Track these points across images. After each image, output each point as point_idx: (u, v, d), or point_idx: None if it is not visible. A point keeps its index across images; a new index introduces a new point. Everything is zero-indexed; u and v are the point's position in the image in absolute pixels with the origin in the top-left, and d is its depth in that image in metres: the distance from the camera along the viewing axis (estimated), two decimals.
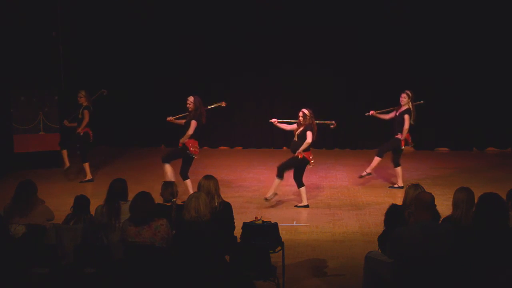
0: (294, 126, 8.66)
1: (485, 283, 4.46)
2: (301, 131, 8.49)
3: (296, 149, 8.48)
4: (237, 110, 13.22)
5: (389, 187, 9.69)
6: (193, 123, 8.63)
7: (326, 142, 12.78)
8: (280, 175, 8.53)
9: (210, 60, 12.83)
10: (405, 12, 12.26)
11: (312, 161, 8.54)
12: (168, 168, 8.73)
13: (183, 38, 12.89)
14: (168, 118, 9.04)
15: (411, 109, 9.33)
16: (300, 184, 8.64)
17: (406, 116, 9.29)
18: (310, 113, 8.49)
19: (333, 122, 8.89)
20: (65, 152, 10.11)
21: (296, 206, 8.71)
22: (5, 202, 6.18)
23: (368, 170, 9.59)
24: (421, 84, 11.73)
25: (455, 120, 12.70)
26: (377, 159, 9.52)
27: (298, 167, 8.59)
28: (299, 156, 8.44)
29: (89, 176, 10.20)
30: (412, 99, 9.36)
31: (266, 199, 8.64)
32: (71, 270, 5.05)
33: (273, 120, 8.91)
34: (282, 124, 8.89)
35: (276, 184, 8.58)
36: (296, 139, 8.54)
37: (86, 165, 10.19)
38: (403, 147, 9.45)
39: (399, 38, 12.44)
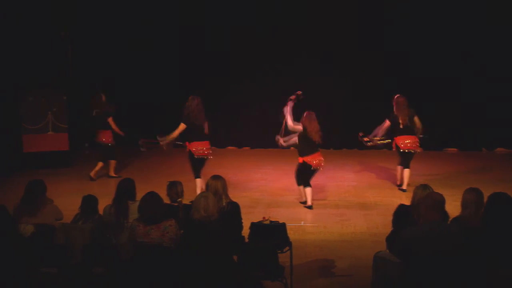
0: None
1: (492, 283, 4.44)
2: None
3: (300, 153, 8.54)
4: (245, 110, 13.21)
5: (397, 186, 9.66)
6: (180, 126, 8.67)
7: (333, 142, 12.75)
8: (297, 183, 8.69)
9: (217, 60, 12.82)
10: (413, 11, 12.21)
11: (314, 164, 8.49)
12: (199, 182, 8.74)
13: (190, 38, 12.89)
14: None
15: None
16: (306, 184, 8.66)
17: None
18: (304, 115, 8.47)
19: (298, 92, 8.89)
20: (113, 162, 10.42)
21: (300, 202, 8.74)
22: (14, 201, 6.21)
23: (404, 187, 9.52)
24: (429, 84, 11.69)
25: (464, 120, 12.63)
26: (405, 172, 9.51)
27: (303, 172, 8.60)
28: (299, 161, 8.51)
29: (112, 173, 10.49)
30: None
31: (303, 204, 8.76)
32: (79, 269, 5.07)
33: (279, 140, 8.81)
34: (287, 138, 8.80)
35: (301, 191, 8.71)
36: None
37: (113, 162, 10.49)
38: (394, 149, 9.49)
39: (408, 38, 12.38)
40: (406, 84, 9.91)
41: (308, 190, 8.63)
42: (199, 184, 8.66)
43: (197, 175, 8.80)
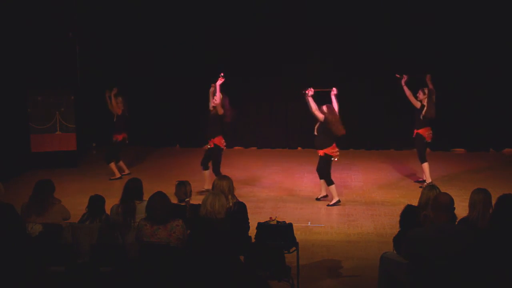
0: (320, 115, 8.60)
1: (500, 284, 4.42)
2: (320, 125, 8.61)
3: (317, 145, 8.60)
4: (252, 110, 13.22)
5: (417, 182, 9.76)
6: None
7: (340, 142, 12.63)
8: (325, 178, 8.77)
9: (224, 60, 12.83)
10: (427, 11, 12.17)
11: (335, 154, 8.66)
12: (206, 173, 9.24)
13: (198, 38, 12.91)
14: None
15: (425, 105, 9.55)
16: (330, 181, 8.80)
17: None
18: (325, 108, 8.62)
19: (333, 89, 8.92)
20: (112, 165, 10.44)
21: (317, 198, 8.89)
22: (22, 201, 6.25)
23: (427, 180, 9.61)
24: (437, 84, 11.62)
25: (472, 120, 12.58)
26: (424, 166, 9.68)
27: (329, 165, 8.74)
28: (320, 154, 8.59)
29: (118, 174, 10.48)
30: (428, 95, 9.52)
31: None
32: (87, 269, 5.08)
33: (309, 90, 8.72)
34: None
35: (329, 188, 8.81)
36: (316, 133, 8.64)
37: (118, 164, 10.55)
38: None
39: (415, 38, 12.34)
40: (414, 85, 9.87)
41: (333, 187, 8.73)
42: (207, 174, 9.24)
43: (208, 167, 9.31)
